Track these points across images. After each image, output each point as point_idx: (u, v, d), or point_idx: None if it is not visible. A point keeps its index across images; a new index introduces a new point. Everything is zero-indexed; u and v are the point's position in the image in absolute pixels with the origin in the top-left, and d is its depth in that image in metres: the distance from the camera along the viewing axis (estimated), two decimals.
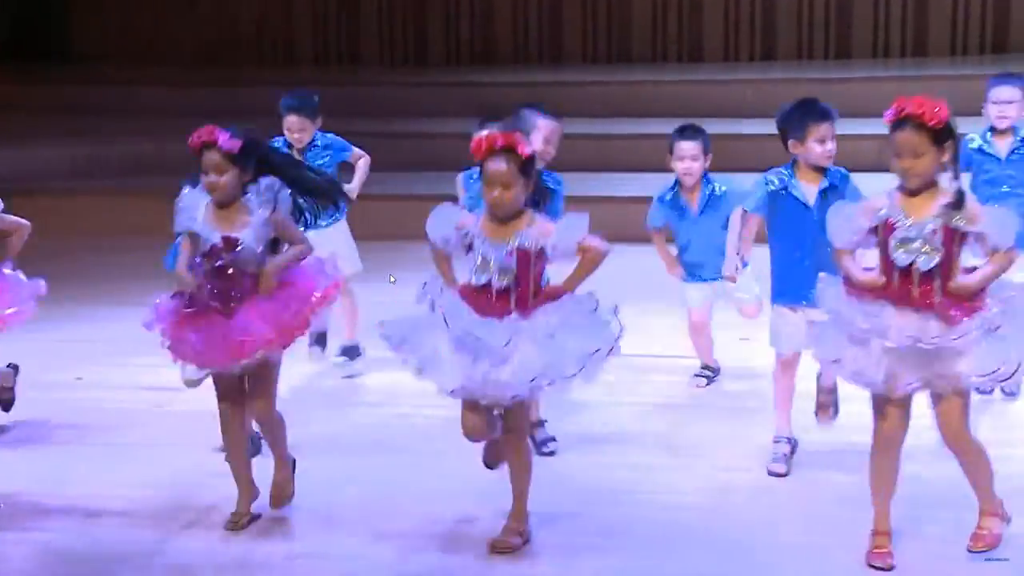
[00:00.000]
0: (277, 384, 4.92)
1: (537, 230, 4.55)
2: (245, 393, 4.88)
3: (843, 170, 5.21)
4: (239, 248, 4.72)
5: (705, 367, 6.41)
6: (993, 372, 4.30)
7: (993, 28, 11.57)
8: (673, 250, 6.25)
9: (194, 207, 4.80)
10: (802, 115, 5.16)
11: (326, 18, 13.06)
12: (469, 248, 4.60)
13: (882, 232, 4.35)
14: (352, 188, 6.62)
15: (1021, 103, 5.90)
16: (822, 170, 5.17)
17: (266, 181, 4.80)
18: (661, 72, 11.88)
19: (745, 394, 6.16)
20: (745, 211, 5.38)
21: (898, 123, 4.32)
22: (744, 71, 11.71)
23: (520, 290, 4.53)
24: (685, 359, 6.51)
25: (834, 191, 5.11)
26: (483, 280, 4.54)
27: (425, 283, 4.63)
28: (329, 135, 6.65)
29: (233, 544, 4.86)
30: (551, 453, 5.50)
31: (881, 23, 11.80)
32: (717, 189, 6.08)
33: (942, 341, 4.23)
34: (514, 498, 4.74)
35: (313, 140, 6.59)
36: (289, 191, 4.86)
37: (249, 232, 4.74)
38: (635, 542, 4.77)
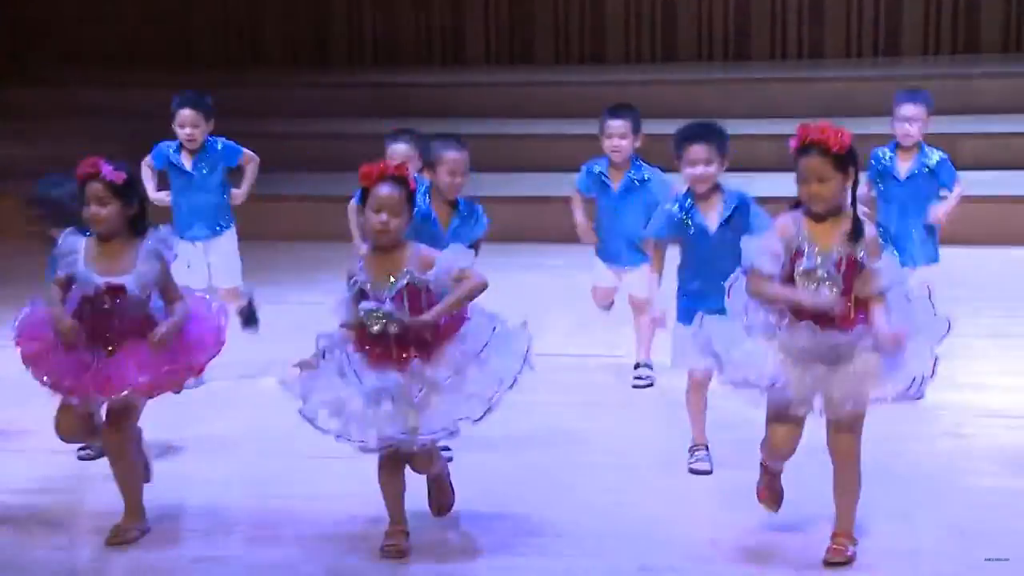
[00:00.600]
0: (134, 423, 4.86)
1: (420, 262, 4.55)
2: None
3: (742, 195, 5.19)
4: (123, 297, 4.67)
5: (641, 364, 6.41)
6: (904, 390, 4.43)
7: (886, 32, 11.76)
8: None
9: (74, 250, 4.73)
10: (678, 136, 5.22)
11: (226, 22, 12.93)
12: (361, 296, 4.57)
13: (790, 258, 4.42)
14: (240, 192, 6.58)
15: (924, 121, 6.00)
16: (717, 194, 5.17)
17: (162, 233, 4.78)
18: (566, 73, 11.92)
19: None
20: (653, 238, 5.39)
21: (802, 149, 4.38)
22: (646, 72, 11.79)
23: (414, 327, 4.51)
24: (623, 358, 6.55)
25: (738, 214, 5.12)
26: (376, 330, 4.50)
27: (320, 337, 4.62)
28: (220, 139, 6.58)
29: (131, 550, 4.80)
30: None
31: (778, 24, 11.92)
32: (643, 176, 6.14)
33: (843, 349, 4.34)
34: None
35: (207, 145, 6.51)
36: (177, 244, 4.85)
37: (132, 279, 4.68)
38: (578, 541, 4.81)
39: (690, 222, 5.19)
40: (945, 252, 6.20)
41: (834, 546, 4.56)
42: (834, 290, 4.35)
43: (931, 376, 4.45)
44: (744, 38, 11.95)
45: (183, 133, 6.44)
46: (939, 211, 6.08)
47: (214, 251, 6.55)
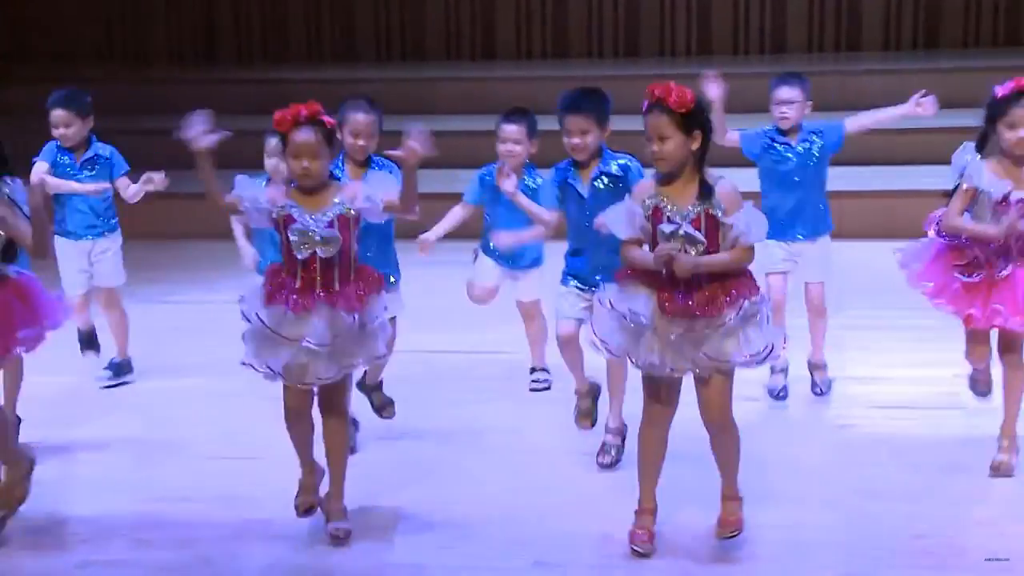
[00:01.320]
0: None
1: (349, 193, 4.61)
2: None
3: (625, 161, 5.18)
4: None
5: (536, 368, 6.41)
6: (756, 354, 4.44)
7: (772, 29, 11.94)
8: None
9: None
10: (558, 106, 5.21)
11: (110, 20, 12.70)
12: (282, 224, 4.59)
13: (652, 220, 4.46)
14: (133, 191, 6.45)
15: (802, 103, 6.07)
16: (597, 161, 5.18)
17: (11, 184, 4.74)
18: (456, 69, 11.91)
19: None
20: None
21: (647, 108, 4.45)
22: (537, 68, 11.82)
23: (342, 261, 4.58)
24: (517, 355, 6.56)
25: (614, 181, 5.12)
26: (306, 254, 4.54)
27: (242, 297, 4.64)
28: (111, 148, 6.44)
29: (13, 555, 4.70)
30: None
31: (667, 22, 12.04)
32: (535, 182, 6.14)
33: (707, 329, 4.38)
34: (333, 480, 4.78)
35: (92, 146, 6.37)
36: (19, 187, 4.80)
37: None
38: (474, 536, 4.82)
39: (569, 188, 5.19)
40: (837, 245, 6.27)
41: (727, 518, 4.61)
42: (699, 248, 4.39)
43: (783, 346, 4.53)
44: (633, 34, 12.05)
45: (55, 132, 6.31)
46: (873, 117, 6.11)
47: (98, 251, 6.44)
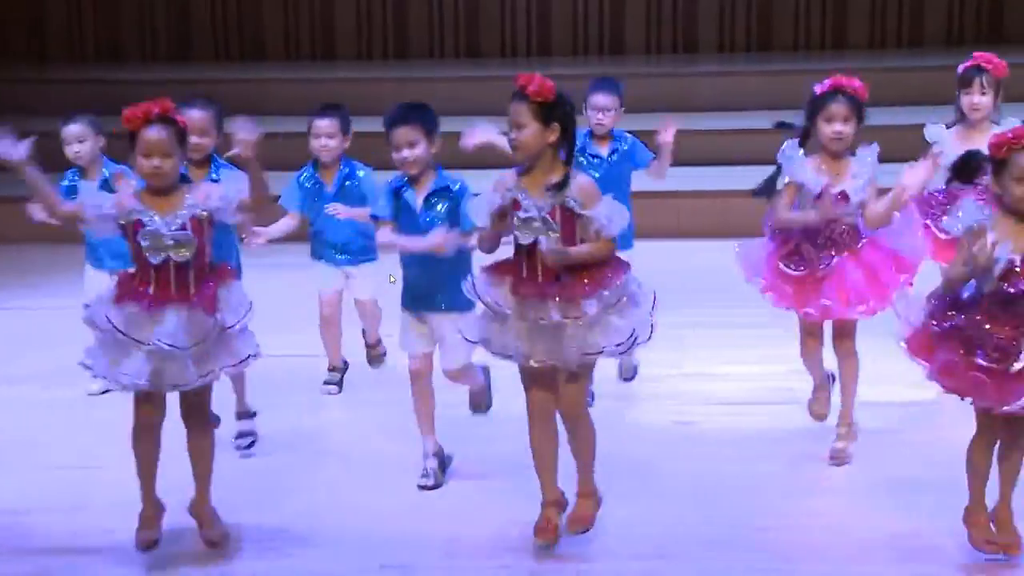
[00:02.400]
0: None
1: (200, 194, 4.51)
2: None
3: (453, 181, 5.12)
4: None
5: (333, 368, 6.38)
6: (624, 342, 4.49)
7: (610, 31, 12.08)
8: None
9: None
10: (385, 120, 5.12)
11: None
12: (130, 230, 4.47)
13: (510, 210, 4.49)
14: None
15: (617, 111, 6.14)
16: (430, 175, 5.11)
17: None
18: (295, 70, 11.79)
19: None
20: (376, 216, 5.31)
21: (512, 96, 4.48)
22: (378, 69, 11.78)
23: (197, 264, 4.48)
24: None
25: (451, 200, 5.06)
26: (159, 259, 4.44)
27: (88, 305, 4.51)
28: None
29: None
30: (248, 446, 5.54)
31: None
32: (354, 177, 6.11)
33: (564, 318, 4.42)
34: (200, 487, 4.71)
35: None
36: None
37: None
38: (318, 542, 4.80)
39: (401, 202, 5.13)
40: (674, 245, 6.40)
41: (577, 514, 4.65)
42: (551, 235, 4.42)
43: (647, 339, 4.55)
44: (474, 35, 12.09)
45: None
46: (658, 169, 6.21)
47: None
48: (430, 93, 10.62)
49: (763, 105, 10.17)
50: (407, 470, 5.33)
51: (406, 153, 5.03)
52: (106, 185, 5.99)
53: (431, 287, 5.08)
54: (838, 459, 5.35)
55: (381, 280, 6.03)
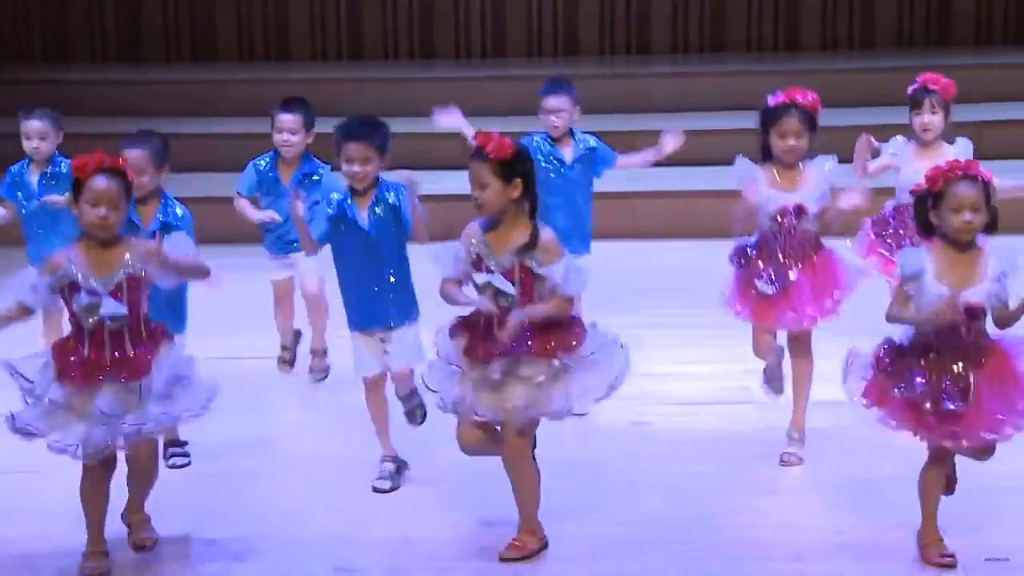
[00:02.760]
0: None
1: (141, 252, 4.42)
2: None
3: (397, 186, 5.08)
4: None
5: (285, 346, 6.35)
6: (553, 412, 4.53)
7: (564, 32, 12.09)
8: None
9: None
10: (336, 133, 5.11)
11: None
12: (66, 291, 4.40)
13: (473, 266, 4.53)
14: None
15: (570, 111, 6.15)
16: (373, 189, 5.09)
17: None
18: (249, 71, 11.73)
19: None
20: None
21: (472, 155, 4.52)
22: (333, 70, 11.73)
23: (132, 324, 4.42)
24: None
25: (392, 210, 5.05)
26: (92, 324, 4.38)
27: (14, 368, 4.45)
28: None
29: None
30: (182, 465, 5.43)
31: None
32: (313, 174, 6.08)
33: (511, 378, 4.46)
34: (135, 496, 4.70)
35: None
36: None
37: None
38: (273, 545, 4.77)
39: (347, 220, 5.09)
40: (630, 245, 6.40)
41: (514, 542, 4.66)
42: (510, 300, 4.45)
43: (604, 397, 4.62)
44: (429, 36, 12.06)
45: None
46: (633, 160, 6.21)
47: None
48: (385, 94, 10.65)
49: (716, 106, 10.22)
50: (361, 472, 5.29)
51: (357, 168, 5.03)
52: (50, 178, 5.96)
53: (378, 303, 5.08)
54: (790, 464, 5.37)
55: (326, 267, 5.97)
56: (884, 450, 5.16)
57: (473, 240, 4.54)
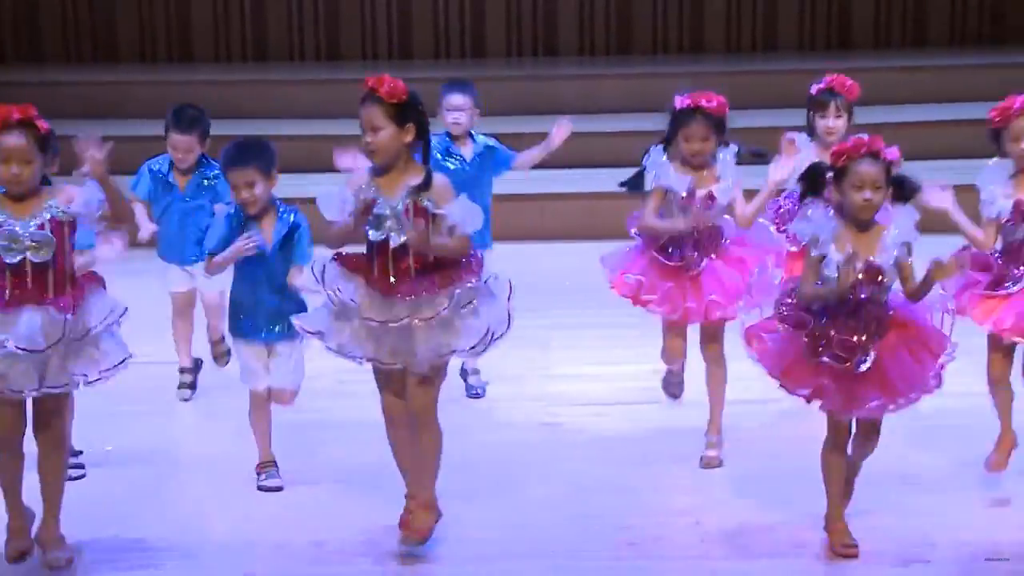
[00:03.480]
0: None
1: (63, 197, 4.38)
2: None
3: (295, 219, 5.05)
4: None
5: (185, 369, 6.26)
6: (479, 342, 4.47)
7: (471, 33, 12.09)
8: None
9: None
10: (223, 158, 5.09)
11: None
12: None
13: (363, 209, 4.45)
14: None
15: (472, 110, 6.15)
16: (271, 212, 5.06)
17: None
18: (152, 72, 11.58)
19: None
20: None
21: (361, 99, 4.46)
22: (237, 71, 11.62)
23: (57, 266, 4.35)
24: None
25: (291, 231, 5.02)
26: (15, 259, 4.31)
27: None
28: None
29: None
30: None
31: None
32: (210, 177, 6.01)
33: (416, 319, 4.39)
34: (48, 507, 4.57)
35: None
36: None
37: None
38: (181, 553, 4.73)
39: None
40: (539, 247, 6.40)
41: (414, 526, 4.58)
42: (402, 233, 4.40)
43: (504, 333, 4.54)
44: (335, 37, 11.99)
45: None
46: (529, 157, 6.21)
47: None
48: (291, 96, 10.57)
49: (623, 108, 10.28)
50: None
51: (245, 194, 5.00)
52: None
53: (266, 316, 5.06)
54: (712, 465, 5.39)
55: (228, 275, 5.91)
56: (797, 447, 5.23)
57: (362, 184, 4.47)
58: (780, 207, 5.90)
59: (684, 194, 5.23)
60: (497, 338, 4.52)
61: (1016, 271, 4.86)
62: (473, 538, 4.77)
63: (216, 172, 6.02)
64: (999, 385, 5.04)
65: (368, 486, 5.11)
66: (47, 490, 4.56)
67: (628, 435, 5.72)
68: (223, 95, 10.22)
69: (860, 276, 4.38)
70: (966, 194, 4.98)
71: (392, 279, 4.44)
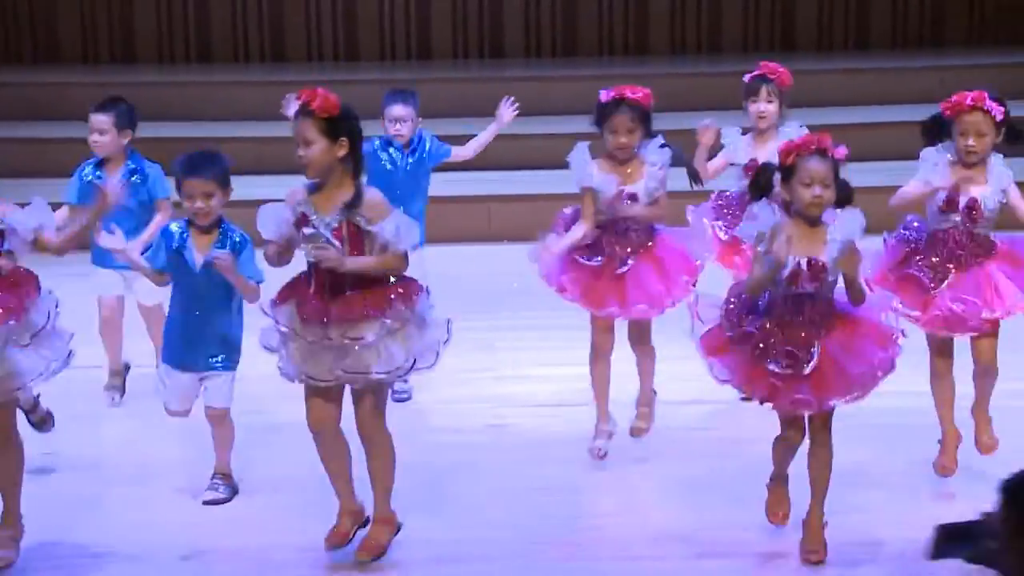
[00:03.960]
0: None
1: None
2: None
3: (239, 236, 5.00)
4: None
5: (115, 372, 6.17)
6: (395, 370, 4.45)
7: (417, 35, 12.07)
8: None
9: None
10: (177, 168, 5.03)
11: None
12: None
13: (297, 226, 4.45)
14: None
15: (414, 120, 6.12)
16: (216, 230, 5.00)
17: None
18: (94, 74, 11.47)
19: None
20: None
21: (295, 113, 4.45)
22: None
23: None
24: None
25: (234, 247, 4.94)
26: None
27: None
28: None
29: None
30: None
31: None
32: (139, 172, 5.96)
33: (344, 339, 4.38)
34: (6, 508, 4.58)
35: None
36: None
37: None
38: (113, 564, 4.68)
39: (180, 258, 5.01)
40: (485, 248, 6.36)
41: (368, 541, 4.60)
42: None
43: (429, 367, 4.54)
44: (279, 38, 11.93)
45: None
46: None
47: None
48: (235, 97, 10.51)
49: (569, 110, 10.28)
50: (200, 483, 5.21)
51: (200, 204, 4.95)
52: None
53: (200, 343, 5.00)
54: (637, 435, 5.46)
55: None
56: (735, 446, 5.27)
57: (298, 200, 4.46)
58: (722, 205, 5.93)
59: (611, 193, 5.21)
60: (419, 369, 4.52)
61: (941, 265, 4.89)
62: (420, 540, 4.76)
63: (146, 168, 5.95)
64: (940, 381, 5.09)
65: (315, 492, 5.05)
66: (4, 493, 4.54)
67: (574, 436, 5.72)
68: (166, 97, 10.15)
69: (804, 270, 4.40)
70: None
71: (327, 297, 4.40)
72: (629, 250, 5.24)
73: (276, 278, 4.66)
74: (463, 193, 7.30)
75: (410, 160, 6.16)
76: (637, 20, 12.03)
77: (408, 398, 6.13)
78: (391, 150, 6.11)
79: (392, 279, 4.48)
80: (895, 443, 5.50)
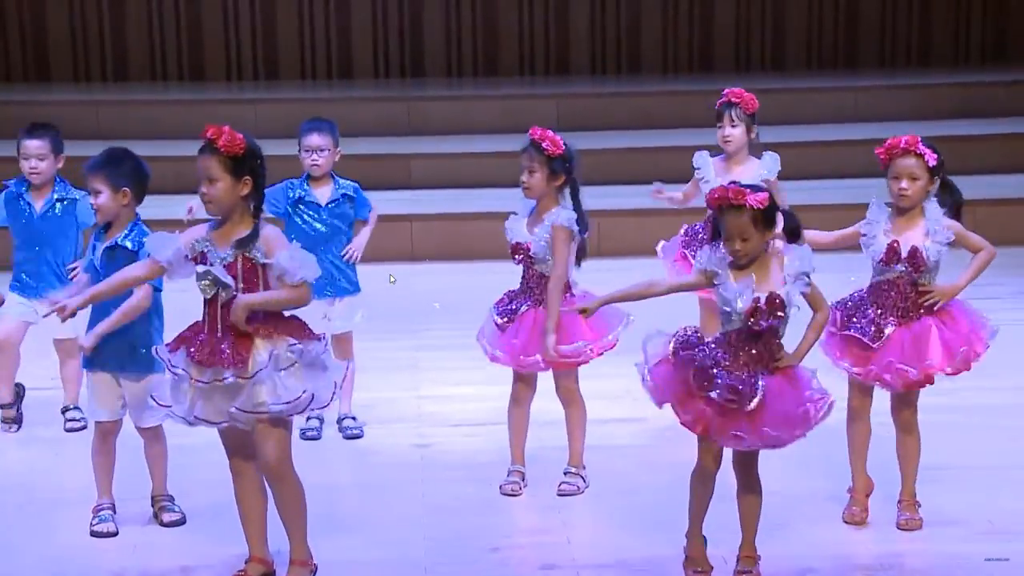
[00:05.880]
0: None
1: None
2: None
3: (137, 237, 4.95)
4: None
5: (7, 404, 6.03)
6: (293, 401, 4.40)
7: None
8: None
9: None
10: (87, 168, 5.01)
11: None
12: None
13: (197, 262, 4.44)
14: None
15: (332, 151, 5.96)
16: (123, 229, 4.95)
17: None
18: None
19: None
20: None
21: (200, 149, 4.42)
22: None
23: None
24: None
25: (129, 256, 4.88)
26: None
27: None
28: None
29: None
30: None
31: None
32: (66, 198, 5.88)
33: (239, 379, 4.36)
34: None
35: None
36: None
37: None
38: None
39: (90, 265, 4.99)
40: (407, 268, 6.33)
41: (293, 569, 4.55)
42: (229, 292, 4.37)
43: (325, 405, 4.52)
44: (198, 57, 11.85)
45: None
46: (357, 246, 6.01)
47: None
48: (153, 116, 10.40)
49: (490, 129, 10.34)
50: (126, 506, 5.14)
51: (90, 199, 4.98)
52: None
53: (123, 347, 4.94)
54: (569, 494, 5.35)
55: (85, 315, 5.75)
56: (667, 467, 5.28)
57: (198, 238, 4.44)
58: (689, 238, 6.03)
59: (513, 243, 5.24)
60: (315, 406, 4.49)
61: (883, 319, 4.93)
62: (343, 561, 4.73)
63: (74, 194, 5.87)
64: (856, 424, 5.05)
65: (223, 526, 4.96)
66: None
67: (498, 456, 5.72)
68: (82, 116, 10.03)
69: (762, 307, 4.43)
70: (857, 212, 5.07)
71: (218, 335, 4.38)
72: (526, 303, 5.26)
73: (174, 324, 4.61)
74: (385, 212, 7.27)
75: (331, 208, 5.99)
76: (558, 40, 12.13)
77: (317, 437, 5.95)
78: (304, 209, 5.94)
79: (287, 314, 4.45)
80: (813, 465, 5.55)
